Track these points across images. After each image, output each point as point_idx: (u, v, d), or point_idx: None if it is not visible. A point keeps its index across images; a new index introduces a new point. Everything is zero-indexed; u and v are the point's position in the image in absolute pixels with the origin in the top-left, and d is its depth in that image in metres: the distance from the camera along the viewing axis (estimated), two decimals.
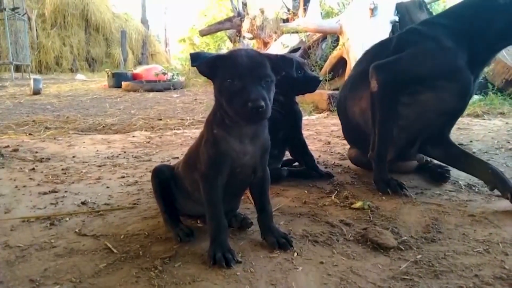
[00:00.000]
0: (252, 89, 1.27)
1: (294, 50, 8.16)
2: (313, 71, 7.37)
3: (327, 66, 7.38)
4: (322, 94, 5.94)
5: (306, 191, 2.15)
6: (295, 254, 1.45)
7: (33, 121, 5.16)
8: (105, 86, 10.58)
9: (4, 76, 13.16)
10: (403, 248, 1.48)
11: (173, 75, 10.65)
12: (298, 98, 2.42)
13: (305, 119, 5.13)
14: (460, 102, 2.15)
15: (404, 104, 2.10)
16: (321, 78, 2.30)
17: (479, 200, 1.97)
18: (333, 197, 2.04)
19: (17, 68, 13.74)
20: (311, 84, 2.29)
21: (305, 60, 2.35)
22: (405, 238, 1.56)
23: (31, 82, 8.68)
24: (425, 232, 1.62)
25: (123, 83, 9.83)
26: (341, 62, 7.11)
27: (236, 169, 1.46)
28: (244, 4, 12.18)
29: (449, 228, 1.66)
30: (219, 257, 1.36)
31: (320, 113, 5.66)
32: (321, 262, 1.39)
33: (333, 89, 6.64)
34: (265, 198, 1.57)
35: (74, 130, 4.57)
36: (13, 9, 12.62)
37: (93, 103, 7.35)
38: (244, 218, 1.69)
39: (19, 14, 13.13)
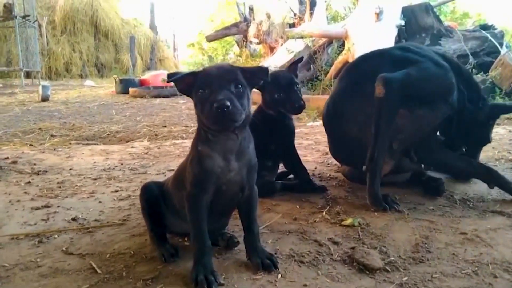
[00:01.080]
0: (218, 92, 1.31)
1: (297, 61, 8.05)
2: (318, 76, 7.34)
3: (332, 71, 7.34)
4: (327, 99, 5.89)
5: (298, 206, 2.12)
6: (279, 276, 1.42)
7: (39, 128, 5.24)
8: (113, 92, 10.68)
9: (14, 82, 13.38)
10: (390, 270, 1.45)
11: None
12: None
13: (308, 125, 5.12)
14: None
15: (403, 117, 2.10)
16: (302, 103, 2.18)
17: (473, 216, 1.93)
18: (324, 213, 2.01)
19: (28, 75, 13.96)
20: (292, 107, 2.19)
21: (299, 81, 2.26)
22: (393, 258, 1.53)
23: (40, 89, 8.80)
24: (414, 251, 1.59)
25: (130, 89, 9.91)
26: None
27: (221, 186, 1.45)
28: (251, 9, 12.19)
29: (439, 247, 1.62)
30: (201, 279, 1.35)
31: None
32: (305, 285, 1.37)
33: None
34: (252, 218, 1.56)
35: (79, 138, 4.62)
36: (24, 17, 12.79)
37: (99, 110, 7.42)
38: (231, 237, 1.67)
39: (30, 22, 13.31)
